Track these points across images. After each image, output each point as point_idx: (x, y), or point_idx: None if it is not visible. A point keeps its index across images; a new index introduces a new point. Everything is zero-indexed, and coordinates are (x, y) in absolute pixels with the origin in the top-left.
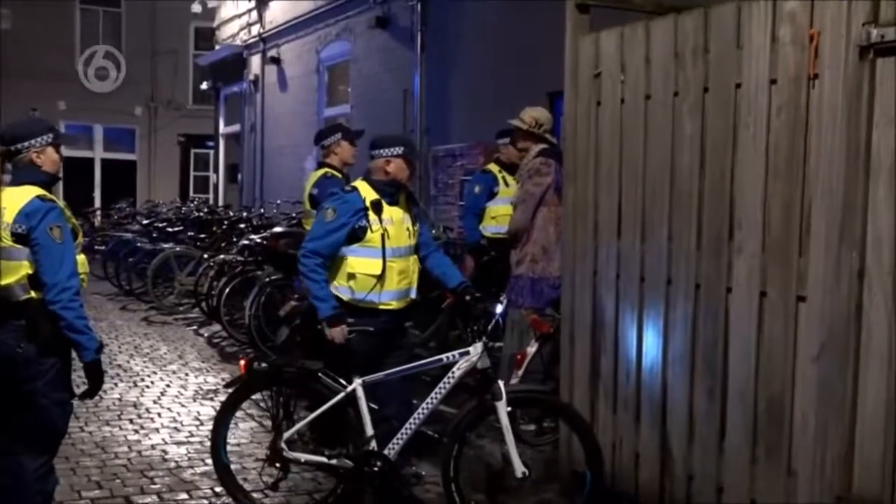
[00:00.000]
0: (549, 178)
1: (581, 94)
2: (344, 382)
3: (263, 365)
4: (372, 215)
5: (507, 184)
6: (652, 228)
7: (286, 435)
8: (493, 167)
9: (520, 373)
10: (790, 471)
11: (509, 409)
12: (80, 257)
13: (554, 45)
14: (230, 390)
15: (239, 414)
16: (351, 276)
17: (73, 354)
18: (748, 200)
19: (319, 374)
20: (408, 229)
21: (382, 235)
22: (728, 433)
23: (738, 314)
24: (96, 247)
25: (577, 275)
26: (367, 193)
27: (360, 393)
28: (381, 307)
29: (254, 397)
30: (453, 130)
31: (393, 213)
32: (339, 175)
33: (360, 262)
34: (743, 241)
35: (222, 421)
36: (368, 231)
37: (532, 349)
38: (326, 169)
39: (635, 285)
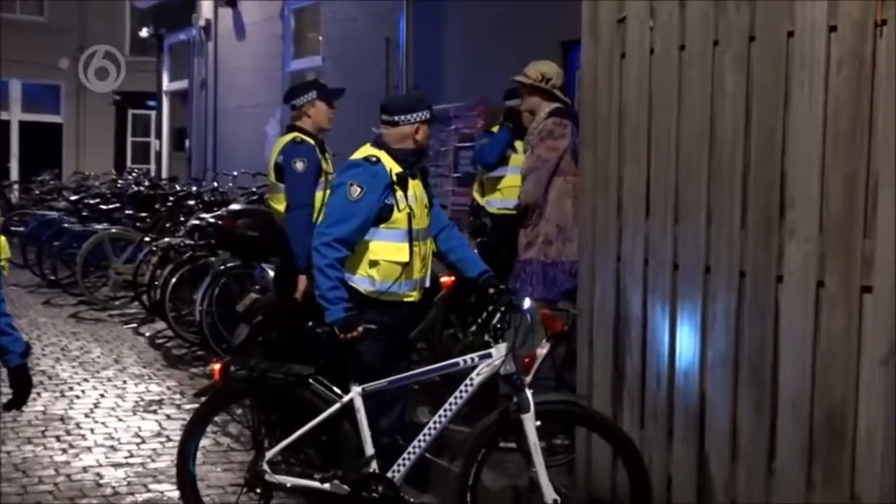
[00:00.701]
0: (566, 142)
1: (602, 43)
2: (339, 391)
3: (242, 369)
4: (399, 191)
5: (515, 150)
6: (687, 206)
7: (269, 454)
8: (496, 130)
9: (528, 379)
10: (853, 496)
11: (538, 423)
12: (0, 240)
13: None
14: (201, 400)
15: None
16: (373, 264)
17: None
18: (802, 173)
19: (311, 381)
20: (425, 206)
21: (409, 215)
22: (779, 452)
23: (791, 308)
24: (13, 228)
25: (598, 261)
26: (390, 164)
27: (359, 404)
28: (405, 299)
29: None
30: (447, 87)
31: (416, 189)
32: (313, 141)
33: (384, 248)
34: (796, 221)
35: (191, 436)
36: (395, 210)
37: (543, 351)
38: (296, 133)
39: (667, 274)
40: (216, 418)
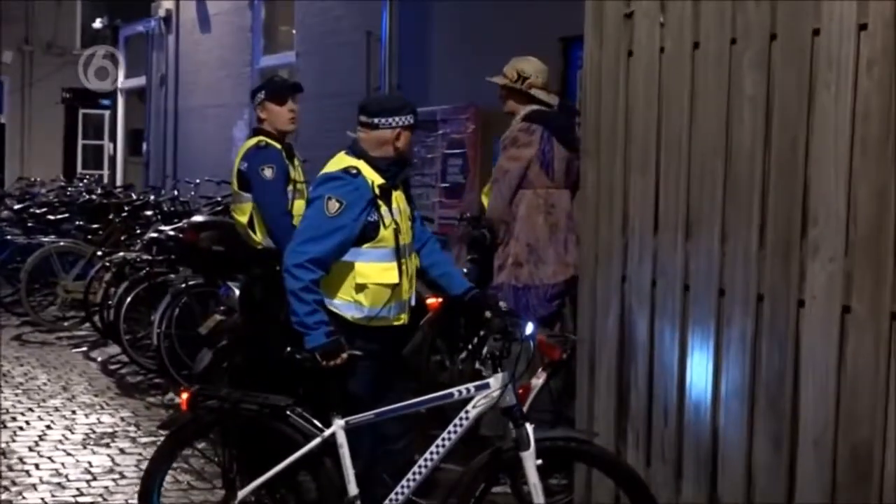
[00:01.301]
0: (531, 150)
1: (607, 40)
2: (319, 425)
3: (212, 399)
4: (383, 206)
5: None
6: (700, 221)
7: (241, 494)
8: None
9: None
10: None
11: (539, 461)
12: None
13: None
14: (165, 433)
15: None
16: (361, 288)
17: None
18: (827, 185)
19: (289, 413)
20: (409, 219)
21: (396, 231)
22: (799, 493)
23: (814, 335)
24: None
25: (600, 281)
26: (371, 176)
27: (342, 439)
28: (394, 323)
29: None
30: (434, 88)
31: (399, 201)
32: (279, 145)
33: (371, 269)
34: (820, 239)
35: (155, 472)
36: (381, 227)
37: (539, 381)
38: (261, 137)
39: (677, 296)
40: (182, 453)
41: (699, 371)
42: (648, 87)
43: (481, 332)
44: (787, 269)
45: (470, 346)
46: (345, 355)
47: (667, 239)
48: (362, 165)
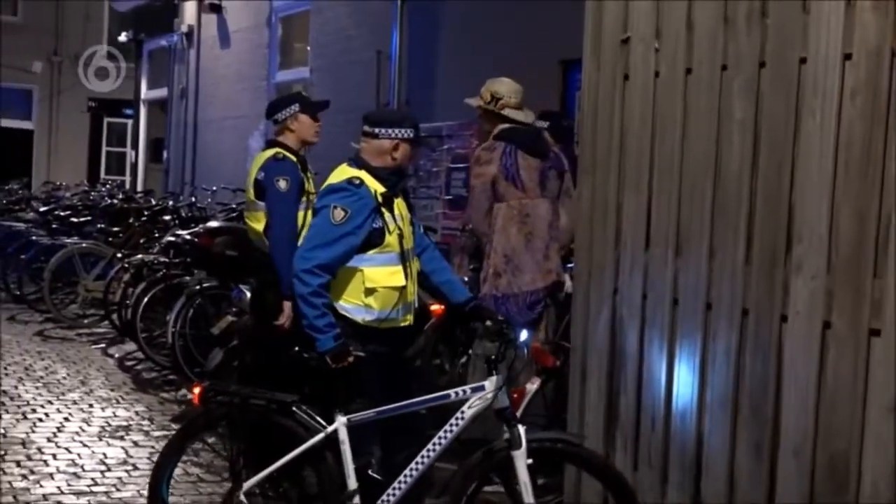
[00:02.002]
0: (492, 168)
1: (604, 64)
2: (323, 421)
3: (222, 394)
4: (386, 213)
5: None
6: (689, 238)
7: (247, 486)
8: None
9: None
10: None
11: (530, 461)
12: None
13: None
14: (176, 426)
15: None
16: (370, 292)
17: None
18: (811, 206)
19: (294, 409)
20: (410, 224)
21: (400, 237)
22: (778, 498)
23: (795, 349)
24: None
25: (593, 294)
26: (374, 185)
27: (343, 435)
28: (401, 324)
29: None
30: (440, 104)
31: (400, 207)
32: (294, 158)
33: (380, 274)
34: (803, 257)
35: (165, 464)
36: (386, 233)
37: (533, 387)
38: (278, 149)
39: (666, 309)
40: (192, 445)
41: (686, 380)
42: (643, 109)
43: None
44: (772, 286)
45: (469, 352)
46: (351, 358)
47: (657, 254)
48: (364, 175)
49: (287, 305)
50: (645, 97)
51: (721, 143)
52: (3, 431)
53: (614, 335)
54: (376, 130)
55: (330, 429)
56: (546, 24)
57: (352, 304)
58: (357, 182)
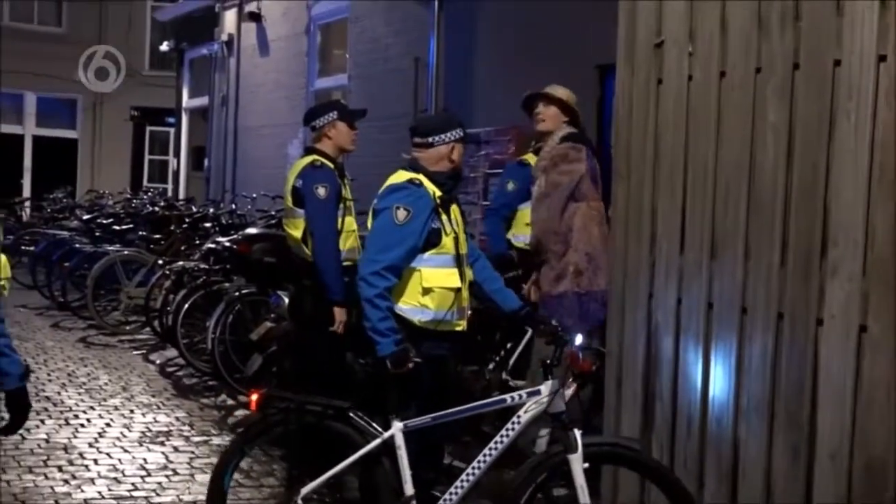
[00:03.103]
0: (583, 165)
1: (638, 68)
2: (377, 427)
3: (280, 400)
4: (443, 214)
5: None
6: (724, 241)
7: (304, 490)
8: (532, 158)
9: None
10: None
11: (586, 465)
12: (1, 259)
13: (606, 4)
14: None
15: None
16: (427, 292)
17: None
18: (846, 209)
19: (350, 415)
20: (464, 231)
21: (455, 240)
22: (815, 502)
23: (831, 352)
24: (23, 247)
25: (628, 298)
26: (431, 188)
27: (400, 440)
28: (455, 328)
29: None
30: (477, 111)
31: (455, 213)
32: (332, 165)
33: (436, 274)
34: (839, 260)
35: (225, 468)
36: (443, 234)
37: (569, 392)
38: (315, 156)
39: (701, 313)
40: (250, 450)
41: (721, 385)
42: (677, 113)
43: (509, 345)
44: (807, 289)
45: (497, 358)
46: (411, 364)
47: (692, 258)
48: (422, 178)
49: (338, 311)
50: (679, 101)
51: (755, 145)
52: (45, 437)
53: (649, 340)
54: (430, 139)
55: (387, 434)
56: (583, 28)
57: (409, 304)
58: (417, 182)
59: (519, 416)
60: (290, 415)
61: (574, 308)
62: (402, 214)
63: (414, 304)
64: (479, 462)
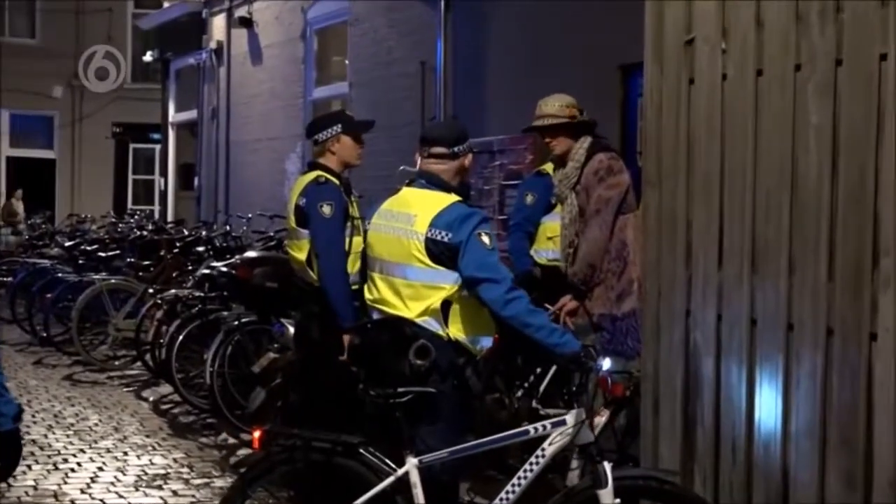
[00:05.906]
0: (627, 175)
1: (667, 68)
2: (391, 464)
3: (285, 437)
4: None
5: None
6: (766, 253)
7: None
8: (549, 167)
9: None
10: None
11: (617, 501)
12: None
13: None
14: (239, 472)
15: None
16: (481, 317)
17: None
18: None
19: (361, 451)
20: None
21: None
22: None
23: (887, 369)
24: (1, 278)
25: (664, 316)
26: None
27: (416, 478)
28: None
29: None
30: (490, 118)
31: None
32: (338, 181)
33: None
34: (892, 270)
35: None
36: None
37: (602, 419)
38: (319, 172)
39: (743, 331)
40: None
41: (768, 408)
42: (710, 115)
43: (538, 370)
44: (858, 302)
45: (526, 385)
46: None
47: (732, 272)
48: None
49: (348, 339)
50: (712, 101)
51: (797, 149)
52: (33, 483)
53: (688, 361)
54: (456, 150)
55: (401, 471)
56: (603, 27)
57: (471, 334)
58: (466, 202)
59: (543, 449)
60: (297, 452)
61: (635, 328)
62: (486, 240)
63: (476, 334)
64: (502, 500)
